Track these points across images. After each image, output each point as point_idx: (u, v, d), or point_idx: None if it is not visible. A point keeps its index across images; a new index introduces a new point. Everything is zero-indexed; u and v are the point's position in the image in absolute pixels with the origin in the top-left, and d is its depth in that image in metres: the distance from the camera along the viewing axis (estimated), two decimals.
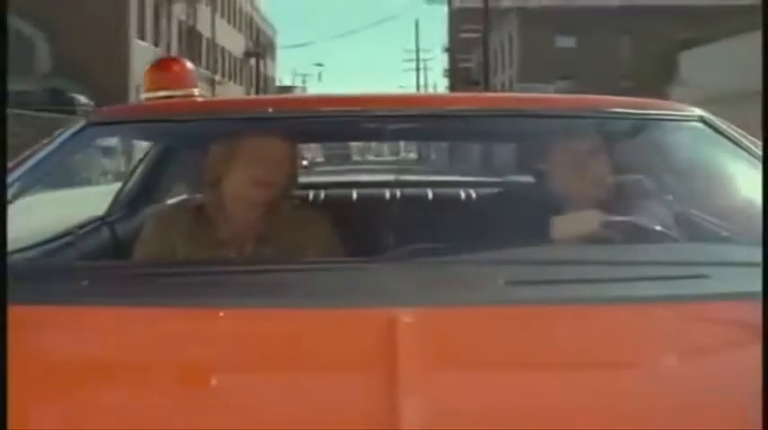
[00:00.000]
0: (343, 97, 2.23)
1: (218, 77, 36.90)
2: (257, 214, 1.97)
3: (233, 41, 41.49)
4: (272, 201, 1.98)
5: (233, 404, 0.98)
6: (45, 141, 1.94)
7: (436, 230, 1.69)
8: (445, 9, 31.08)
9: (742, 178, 1.94)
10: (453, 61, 32.71)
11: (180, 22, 30.97)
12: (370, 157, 19.67)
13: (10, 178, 1.73)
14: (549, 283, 1.41)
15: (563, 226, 1.82)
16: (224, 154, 1.97)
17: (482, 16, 24.11)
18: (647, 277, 1.42)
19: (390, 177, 2.53)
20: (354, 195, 2.91)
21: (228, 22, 40.36)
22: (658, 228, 1.82)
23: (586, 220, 1.82)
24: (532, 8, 27.43)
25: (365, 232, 1.73)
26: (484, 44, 24.60)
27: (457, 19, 30.70)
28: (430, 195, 2.91)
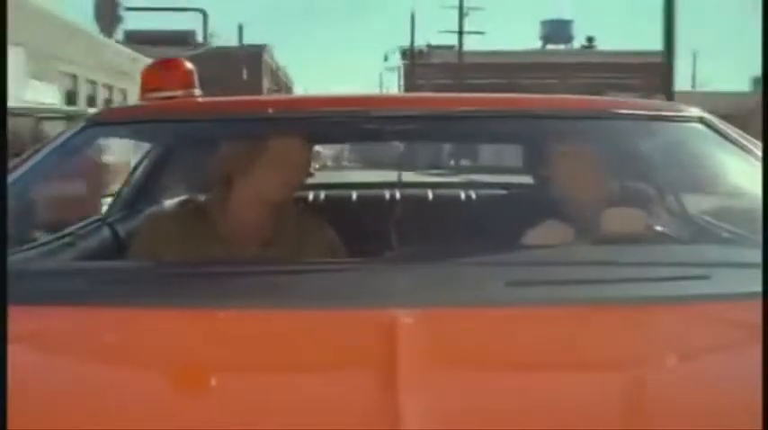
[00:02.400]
0: (343, 98, 2.23)
1: None
2: (263, 215, 1.97)
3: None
4: (279, 203, 1.98)
5: (234, 404, 0.98)
6: (45, 142, 1.94)
7: (437, 231, 1.69)
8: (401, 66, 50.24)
9: (742, 178, 1.94)
10: None
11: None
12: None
13: (10, 178, 1.73)
14: (549, 284, 1.41)
15: (534, 239, 1.81)
16: (236, 154, 1.96)
17: (429, 69, 42.10)
18: (648, 278, 1.42)
19: (392, 178, 2.53)
20: (355, 196, 2.91)
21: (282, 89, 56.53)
22: (658, 230, 1.82)
23: (554, 234, 1.82)
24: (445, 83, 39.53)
25: (366, 233, 1.73)
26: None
27: (411, 70, 45.86)
28: (430, 196, 2.91)
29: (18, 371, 1.04)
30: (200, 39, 37.02)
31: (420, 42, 47.02)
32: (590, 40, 54.94)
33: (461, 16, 36.59)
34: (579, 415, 0.96)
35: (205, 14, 33.90)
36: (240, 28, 49.00)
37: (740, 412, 0.97)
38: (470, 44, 41.25)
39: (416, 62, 44.20)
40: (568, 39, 55.41)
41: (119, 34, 30.86)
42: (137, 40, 29.07)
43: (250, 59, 42.23)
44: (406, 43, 45.45)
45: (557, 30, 55.02)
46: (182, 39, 35.91)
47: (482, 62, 42.27)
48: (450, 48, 48.08)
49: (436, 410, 0.93)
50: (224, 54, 38.41)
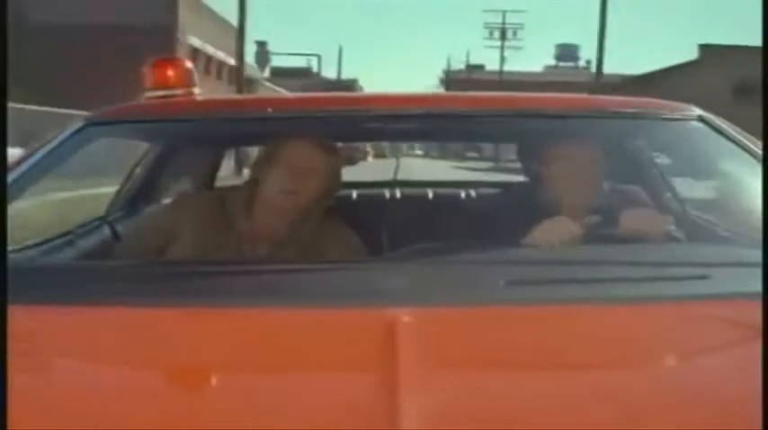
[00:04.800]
0: (344, 97, 2.23)
1: None
2: (281, 216, 1.97)
3: None
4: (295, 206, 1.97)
5: (233, 404, 0.98)
6: (45, 141, 1.93)
7: (436, 230, 1.68)
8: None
9: (741, 177, 1.94)
10: None
11: None
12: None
13: (10, 178, 1.73)
14: (549, 283, 1.41)
15: (540, 236, 1.79)
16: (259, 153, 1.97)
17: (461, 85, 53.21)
18: (647, 277, 1.42)
19: (390, 177, 2.53)
20: (354, 195, 2.90)
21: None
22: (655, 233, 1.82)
23: (561, 228, 1.79)
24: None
25: (365, 232, 1.73)
26: None
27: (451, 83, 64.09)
28: (430, 195, 2.91)
29: (18, 371, 1.04)
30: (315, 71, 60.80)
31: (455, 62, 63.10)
32: (588, 62, 72.52)
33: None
34: (579, 414, 0.96)
35: (319, 57, 55.70)
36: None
37: (740, 412, 0.97)
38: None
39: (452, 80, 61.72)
40: (576, 59, 74.97)
41: (267, 71, 51.87)
42: (277, 73, 48.88)
43: (346, 88, 60.47)
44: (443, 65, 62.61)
45: (567, 52, 75.55)
46: (303, 72, 58.16)
47: (497, 80, 53.00)
48: (479, 68, 67.11)
49: (436, 410, 0.93)
50: (329, 83, 57.96)
